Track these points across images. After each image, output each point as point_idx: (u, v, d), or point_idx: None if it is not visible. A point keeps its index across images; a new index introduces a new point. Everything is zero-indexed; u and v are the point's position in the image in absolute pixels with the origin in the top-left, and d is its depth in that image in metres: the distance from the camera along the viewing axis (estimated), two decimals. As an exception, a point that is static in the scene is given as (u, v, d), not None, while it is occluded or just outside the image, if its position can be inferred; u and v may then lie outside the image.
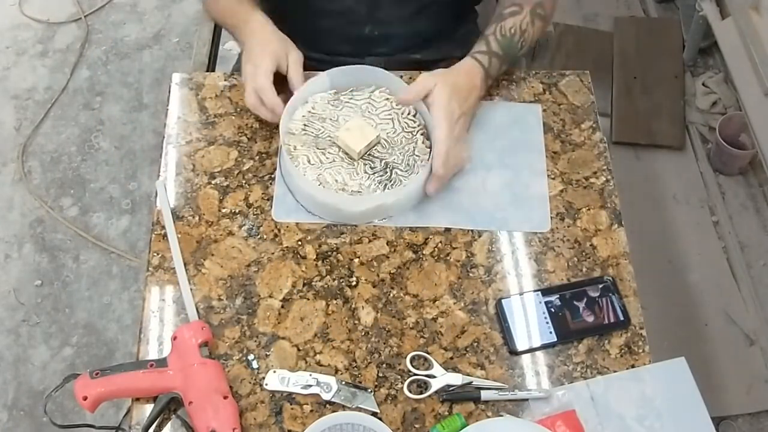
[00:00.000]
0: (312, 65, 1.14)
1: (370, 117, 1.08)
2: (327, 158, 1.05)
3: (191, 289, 0.99)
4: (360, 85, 1.11)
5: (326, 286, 1.00)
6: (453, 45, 1.32)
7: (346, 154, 1.05)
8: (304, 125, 1.07)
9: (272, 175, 1.08)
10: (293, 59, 1.09)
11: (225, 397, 0.88)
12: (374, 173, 1.04)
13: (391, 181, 1.03)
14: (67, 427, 0.92)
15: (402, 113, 1.09)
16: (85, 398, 0.88)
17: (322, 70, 1.11)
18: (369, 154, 1.05)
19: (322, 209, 1.04)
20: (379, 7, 1.18)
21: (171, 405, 0.90)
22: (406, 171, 1.04)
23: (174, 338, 0.92)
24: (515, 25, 1.11)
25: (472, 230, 1.04)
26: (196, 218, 1.05)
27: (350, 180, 1.03)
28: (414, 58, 1.28)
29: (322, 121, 1.08)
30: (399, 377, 0.93)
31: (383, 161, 1.05)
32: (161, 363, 0.90)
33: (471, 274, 1.01)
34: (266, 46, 1.08)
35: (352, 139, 1.04)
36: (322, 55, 1.23)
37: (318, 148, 1.05)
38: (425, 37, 1.26)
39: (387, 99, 1.10)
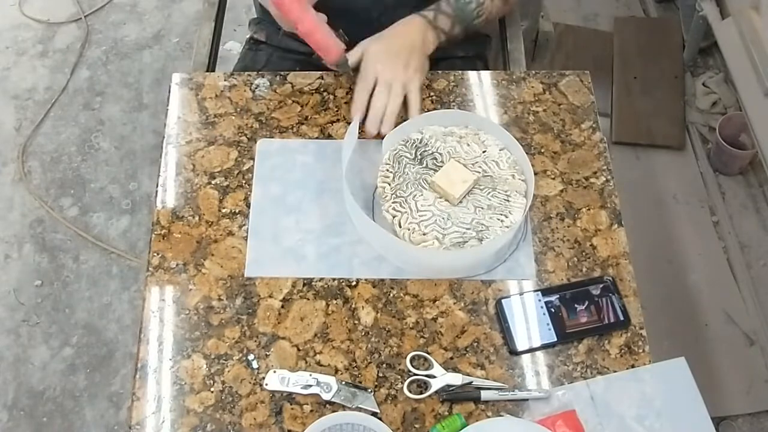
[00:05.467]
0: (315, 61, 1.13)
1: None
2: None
3: (190, 289, 0.99)
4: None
5: (326, 286, 1.00)
6: (455, 45, 1.31)
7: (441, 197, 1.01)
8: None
9: (272, 175, 1.08)
10: None
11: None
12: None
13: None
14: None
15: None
16: None
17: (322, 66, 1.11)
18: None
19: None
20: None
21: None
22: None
23: None
24: None
25: (472, 230, 1.04)
26: (196, 218, 1.05)
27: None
28: None
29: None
30: (399, 377, 0.93)
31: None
32: None
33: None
34: None
35: (449, 183, 1.00)
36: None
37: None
38: None
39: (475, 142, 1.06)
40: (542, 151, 1.11)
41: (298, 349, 0.95)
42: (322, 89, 1.17)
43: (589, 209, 1.06)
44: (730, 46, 1.85)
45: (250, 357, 0.94)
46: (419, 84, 1.10)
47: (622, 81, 2.25)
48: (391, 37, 1.12)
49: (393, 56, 1.09)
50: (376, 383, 0.93)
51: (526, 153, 1.03)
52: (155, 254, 1.02)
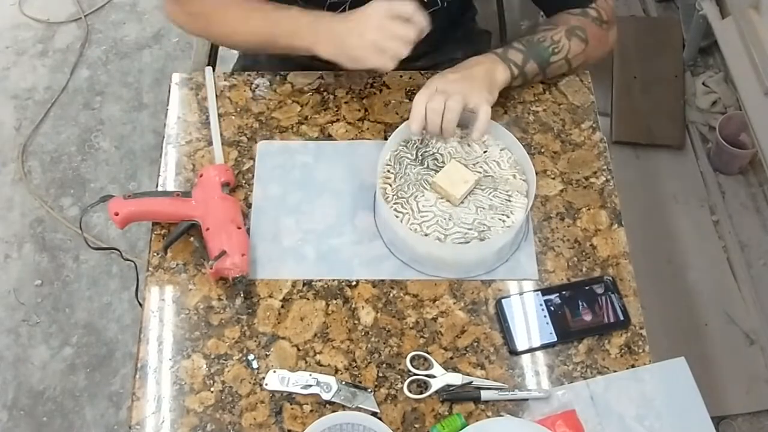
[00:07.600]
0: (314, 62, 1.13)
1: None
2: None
3: (190, 289, 0.99)
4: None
5: (326, 285, 1.00)
6: (455, 46, 1.31)
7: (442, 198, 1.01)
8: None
9: (272, 175, 1.08)
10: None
11: (238, 228, 0.99)
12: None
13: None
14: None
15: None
16: (116, 214, 1.00)
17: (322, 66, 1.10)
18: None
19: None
20: None
21: (190, 230, 1.01)
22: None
23: (200, 175, 1.03)
24: (544, 35, 1.10)
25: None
26: (196, 218, 1.05)
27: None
28: (417, 65, 1.27)
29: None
30: (399, 377, 0.93)
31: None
32: (186, 194, 1.01)
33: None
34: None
35: (450, 184, 1.00)
36: (321, 62, 1.21)
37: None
38: (432, 40, 1.25)
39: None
40: (542, 150, 1.11)
41: (298, 349, 0.95)
42: (322, 89, 1.17)
43: (589, 209, 1.06)
44: (730, 46, 1.85)
45: (250, 357, 0.94)
46: (486, 106, 1.01)
47: (622, 81, 2.25)
48: (460, 66, 1.07)
49: (458, 78, 1.04)
50: (376, 383, 0.93)
51: (527, 153, 1.03)
52: (155, 254, 1.02)
